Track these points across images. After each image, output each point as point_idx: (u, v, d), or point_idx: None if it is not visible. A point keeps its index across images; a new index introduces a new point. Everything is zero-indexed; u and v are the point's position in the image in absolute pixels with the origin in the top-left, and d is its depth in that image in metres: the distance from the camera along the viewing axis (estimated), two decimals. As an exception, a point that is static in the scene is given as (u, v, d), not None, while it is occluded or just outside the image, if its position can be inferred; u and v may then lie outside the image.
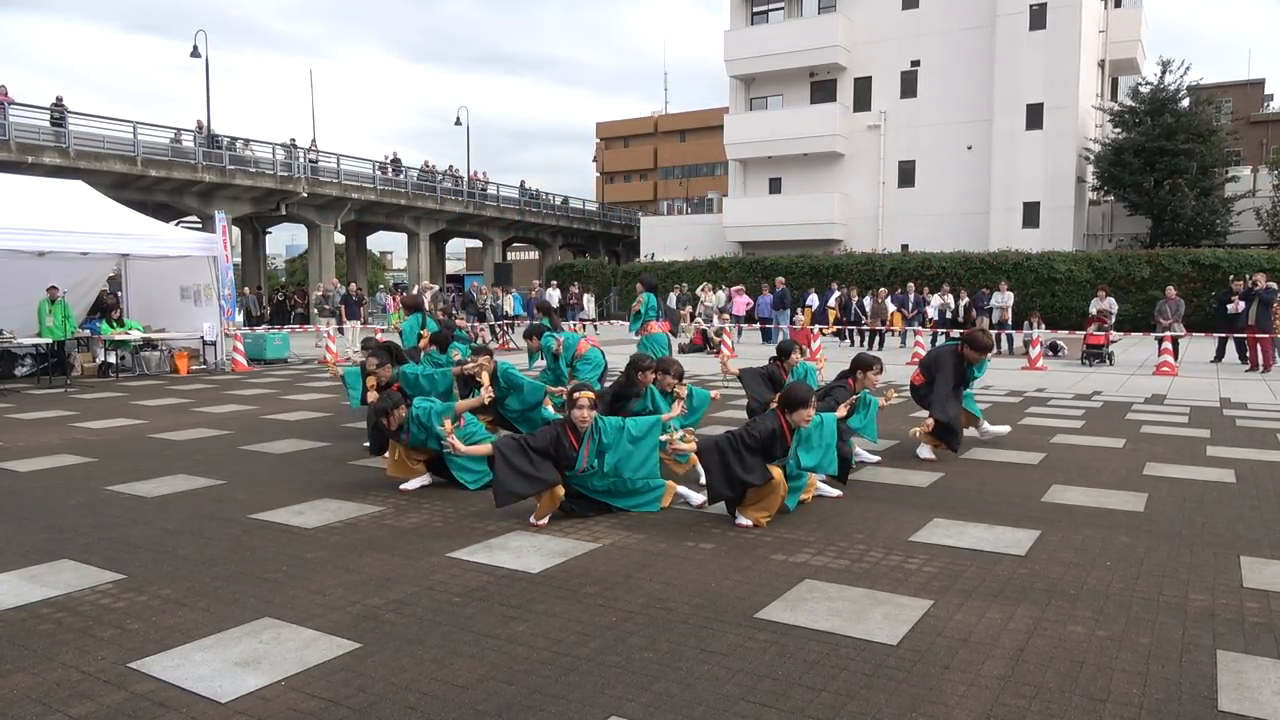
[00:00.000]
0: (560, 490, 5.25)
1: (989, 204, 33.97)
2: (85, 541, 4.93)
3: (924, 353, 17.03)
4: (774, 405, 5.29)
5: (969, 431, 8.02)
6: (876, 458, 7.17)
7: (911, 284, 23.00)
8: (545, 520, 5.23)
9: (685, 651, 3.39)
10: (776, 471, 5.20)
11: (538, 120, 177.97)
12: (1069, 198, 33.00)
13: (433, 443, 6.16)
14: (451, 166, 41.63)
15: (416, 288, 26.24)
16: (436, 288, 28.56)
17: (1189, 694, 3.05)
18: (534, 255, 58.41)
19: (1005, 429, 8.10)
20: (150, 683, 3.15)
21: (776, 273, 28.98)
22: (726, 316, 22.99)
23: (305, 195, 32.60)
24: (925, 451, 7.36)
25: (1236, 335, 16.25)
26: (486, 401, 6.52)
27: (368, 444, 7.37)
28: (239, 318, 17.18)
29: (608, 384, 7.75)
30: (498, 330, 23.13)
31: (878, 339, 21.26)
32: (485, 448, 5.34)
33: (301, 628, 3.62)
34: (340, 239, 41.71)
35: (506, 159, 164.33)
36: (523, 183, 45.83)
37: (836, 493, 5.89)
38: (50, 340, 13.72)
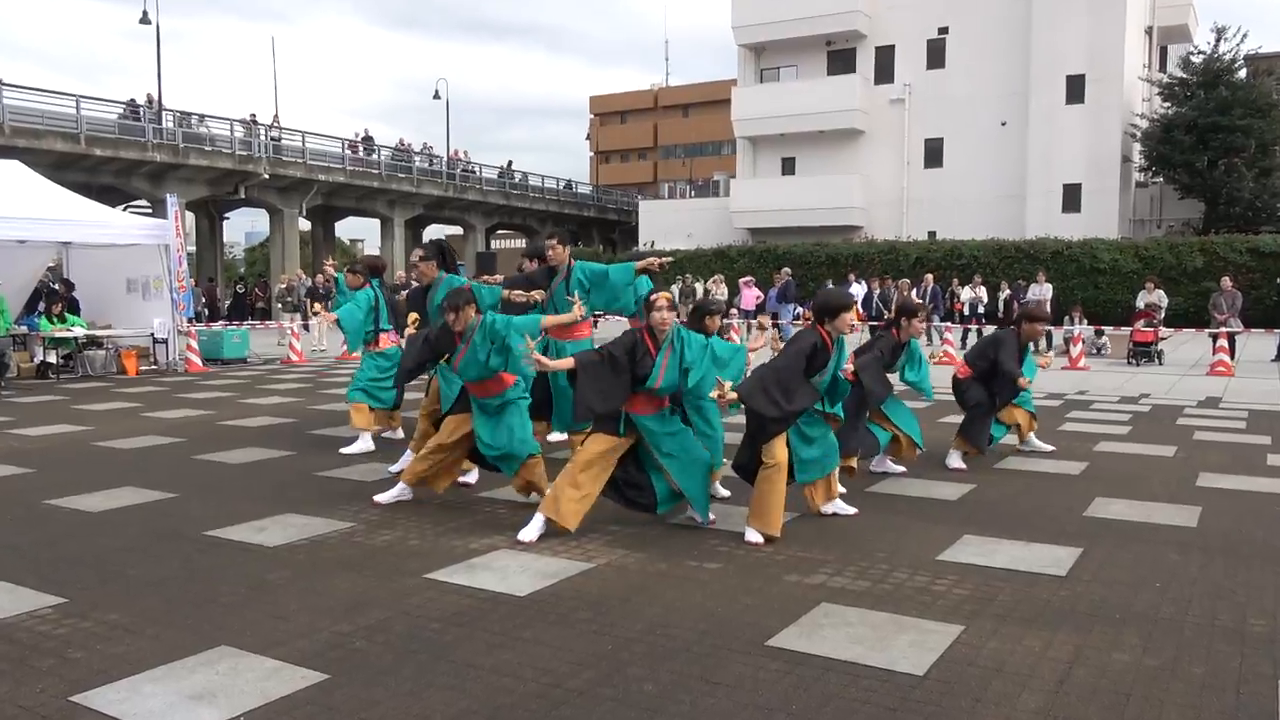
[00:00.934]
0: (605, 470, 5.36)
1: (1025, 186, 34.00)
2: (21, 561, 4.92)
3: (954, 351, 17.15)
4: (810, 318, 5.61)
5: (1009, 439, 8.02)
6: (901, 468, 7.17)
7: (930, 275, 22.99)
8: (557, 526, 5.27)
9: (689, 683, 3.39)
10: (780, 452, 5.28)
11: (525, 94, 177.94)
12: (1113, 179, 33.03)
13: (499, 357, 5.66)
14: (426, 144, 41.65)
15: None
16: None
17: (1247, 729, 3.05)
18: (521, 243, 58.38)
19: (1049, 448, 8.08)
20: (94, 717, 3.14)
21: (790, 262, 29.00)
22: (735, 311, 23.03)
23: (267, 177, 32.58)
24: (955, 460, 7.37)
25: (1299, 331, 16.28)
26: (580, 317, 6.50)
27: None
28: (191, 312, 17.13)
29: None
30: None
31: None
32: (568, 362, 5.36)
33: (262, 657, 3.62)
34: (306, 225, 41.67)
35: (490, 136, 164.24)
36: (510, 164, 45.84)
37: (852, 510, 5.87)
38: (-17, 338, 13.70)
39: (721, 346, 5.58)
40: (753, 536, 5.20)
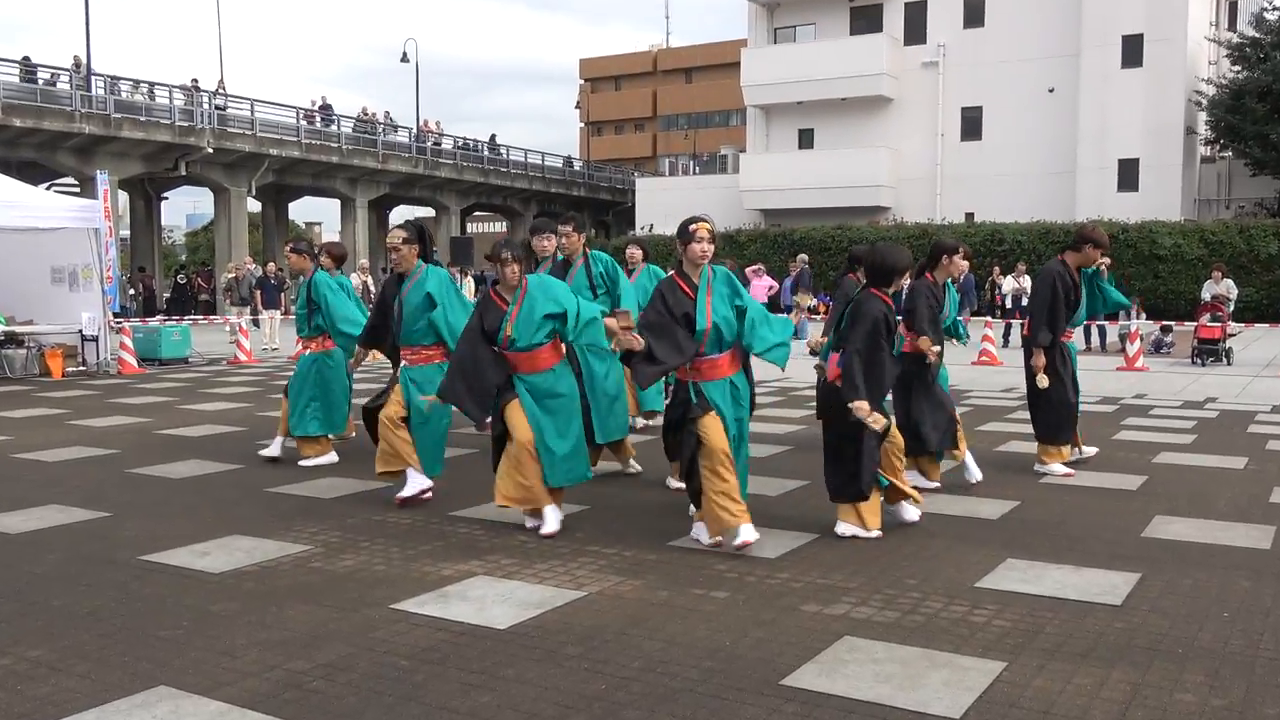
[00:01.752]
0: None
1: (1075, 162, 34.08)
2: (-68, 590, 4.92)
3: (994, 349, 17.18)
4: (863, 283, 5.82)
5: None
6: (934, 483, 7.17)
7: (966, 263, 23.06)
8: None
9: (692, 727, 3.40)
10: (893, 428, 5.69)
11: (506, 57, 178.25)
12: (1176, 153, 33.11)
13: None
14: (388, 114, 41.61)
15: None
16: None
17: (1328, 779, 3.06)
18: (501, 226, 58.44)
19: (1092, 450, 8.11)
20: (15, 769, 3.15)
21: (807, 248, 29.04)
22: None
23: (211, 151, 32.58)
24: (1058, 467, 7.54)
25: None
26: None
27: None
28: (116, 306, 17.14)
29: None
30: None
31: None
32: (637, 342, 5.44)
33: (207, 699, 3.62)
34: (255, 207, 41.69)
35: (467, 105, 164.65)
36: (493, 137, 45.88)
37: (876, 533, 5.83)
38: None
39: (774, 318, 5.77)
40: (910, 514, 5.73)
